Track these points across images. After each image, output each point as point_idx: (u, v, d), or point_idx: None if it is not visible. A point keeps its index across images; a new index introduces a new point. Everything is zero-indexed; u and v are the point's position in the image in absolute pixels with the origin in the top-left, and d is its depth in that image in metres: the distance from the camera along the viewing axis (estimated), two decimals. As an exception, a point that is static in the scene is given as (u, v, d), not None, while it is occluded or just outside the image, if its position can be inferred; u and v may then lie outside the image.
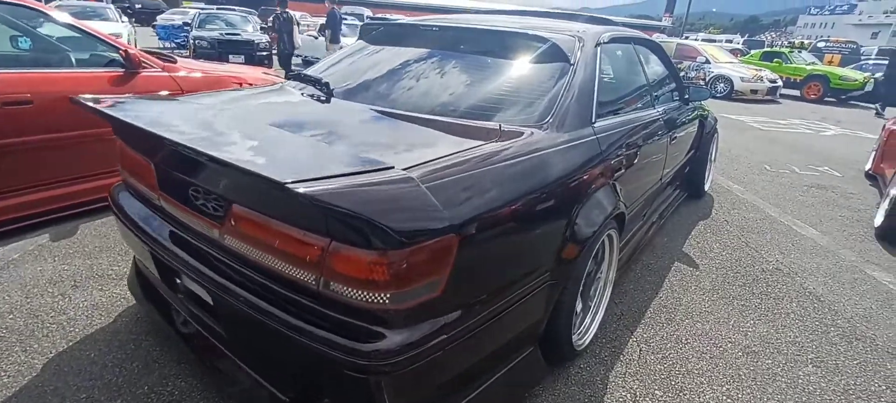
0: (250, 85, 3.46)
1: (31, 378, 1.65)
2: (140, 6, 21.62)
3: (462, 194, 1.18)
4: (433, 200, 1.07)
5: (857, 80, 13.06)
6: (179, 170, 1.36)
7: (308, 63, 10.65)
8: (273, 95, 2.03)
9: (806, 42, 26.95)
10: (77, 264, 2.36)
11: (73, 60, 3.00)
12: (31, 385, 1.62)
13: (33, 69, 2.74)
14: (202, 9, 12.78)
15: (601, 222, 1.69)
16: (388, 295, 1.05)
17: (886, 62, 12.97)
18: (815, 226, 3.70)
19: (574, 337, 1.85)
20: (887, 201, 3.67)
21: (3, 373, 1.66)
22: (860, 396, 1.89)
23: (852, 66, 16.42)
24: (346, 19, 11.36)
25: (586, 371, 1.89)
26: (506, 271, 1.37)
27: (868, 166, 5.39)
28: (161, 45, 13.71)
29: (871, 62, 16.85)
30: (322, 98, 1.88)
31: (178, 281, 1.54)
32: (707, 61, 12.87)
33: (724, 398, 1.82)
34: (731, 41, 33.77)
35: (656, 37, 18.26)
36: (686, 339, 2.15)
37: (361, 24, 3.09)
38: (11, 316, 1.95)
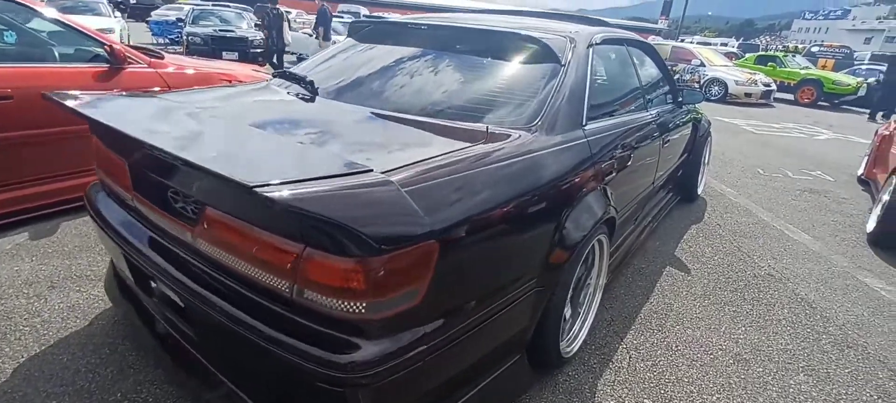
0: (240, 82, 3.40)
1: (-1, 384, 1.59)
2: (135, 1, 21.36)
3: (444, 198, 1.13)
4: (413, 205, 1.03)
5: (850, 85, 13.18)
6: (152, 170, 1.31)
7: (303, 60, 10.61)
8: (257, 94, 1.97)
9: (800, 46, 27.15)
10: (55, 264, 2.30)
11: (57, 55, 2.93)
12: (-2, 391, 1.56)
13: (15, 64, 2.67)
14: (196, 5, 12.68)
15: (591, 227, 1.65)
16: (364, 305, 1.00)
17: (884, 68, 13.06)
18: (808, 231, 3.69)
19: (562, 344, 1.81)
20: (879, 206, 3.67)
21: (-30, 378, 1.60)
22: (851, 406, 1.87)
23: (845, 70, 16.55)
24: (341, 17, 11.33)
25: (574, 379, 1.85)
26: (490, 278, 1.32)
27: (860, 171, 5.41)
28: (155, 41, 13.58)
29: (864, 67, 16.97)
30: (307, 97, 1.83)
31: (153, 284, 1.48)
32: (702, 64, 12.91)
33: (715, 407, 1.79)
34: (726, 44, 34.00)
35: (652, 39, 18.40)
36: (676, 346, 2.12)
37: (352, 21, 3.04)
38: (-17, 319, 1.88)
